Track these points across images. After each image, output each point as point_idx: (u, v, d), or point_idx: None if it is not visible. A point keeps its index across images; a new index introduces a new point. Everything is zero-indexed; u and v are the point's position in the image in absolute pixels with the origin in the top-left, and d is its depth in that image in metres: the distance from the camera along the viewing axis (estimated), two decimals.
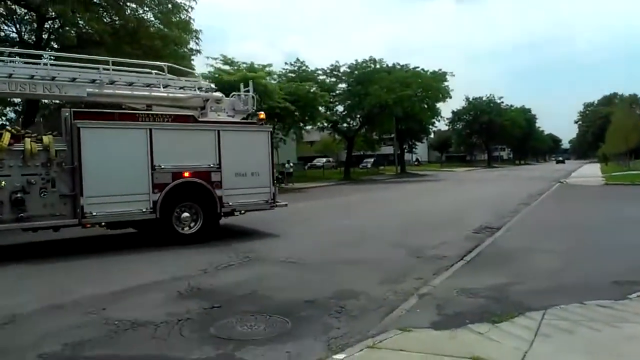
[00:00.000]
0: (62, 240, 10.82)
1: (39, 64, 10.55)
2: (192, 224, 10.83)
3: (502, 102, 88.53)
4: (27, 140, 9.33)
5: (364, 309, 5.85)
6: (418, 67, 45.12)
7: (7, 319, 5.63)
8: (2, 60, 10.21)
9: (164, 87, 11.70)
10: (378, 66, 43.88)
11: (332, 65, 43.19)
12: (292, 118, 31.91)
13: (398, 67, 45.17)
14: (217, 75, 27.71)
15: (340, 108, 44.27)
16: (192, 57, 28.73)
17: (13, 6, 19.32)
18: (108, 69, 11.06)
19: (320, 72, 41.61)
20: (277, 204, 12.03)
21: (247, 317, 5.60)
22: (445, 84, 44.60)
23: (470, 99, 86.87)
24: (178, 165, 10.56)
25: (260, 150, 11.82)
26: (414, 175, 51.73)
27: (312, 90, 32.25)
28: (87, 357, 4.60)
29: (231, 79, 26.69)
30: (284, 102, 28.32)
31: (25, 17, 20.01)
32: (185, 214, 10.75)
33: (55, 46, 20.42)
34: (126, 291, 6.84)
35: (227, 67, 29.20)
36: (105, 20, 19.48)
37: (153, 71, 11.94)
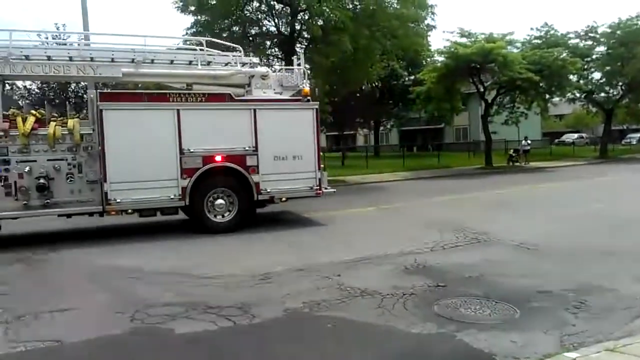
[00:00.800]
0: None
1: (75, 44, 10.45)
2: (226, 213, 10.19)
3: None
4: (52, 124, 9.28)
5: (609, 308, 5.11)
6: None
7: (263, 276, 6.68)
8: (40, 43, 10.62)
9: (206, 64, 11.00)
10: None
11: (587, 26, 37.72)
12: (536, 89, 29.15)
13: None
14: (453, 50, 27.06)
15: (596, 75, 38.52)
16: (428, 34, 28.75)
17: (272, 2, 22.23)
18: (143, 47, 10.68)
19: (572, 35, 36.81)
20: (325, 190, 11.02)
21: (472, 300, 5.47)
22: None
23: None
24: (209, 149, 9.90)
25: (304, 130, 10.64)
26: None
27: (560, 57, 28.83)
28: (321, 316, 5.16)
29: (467, 52, 25.78)
30: (526, 72, 26.03)
31: (281, 12, 22.77)
32: (220, 201, 10.13)
33: (306, 36, 22.80)
34: (359, 261, 7.36)
35: (463, 40, 28.21)
36: (347, 7, 20.81)
37: (197, 47, 11.37)
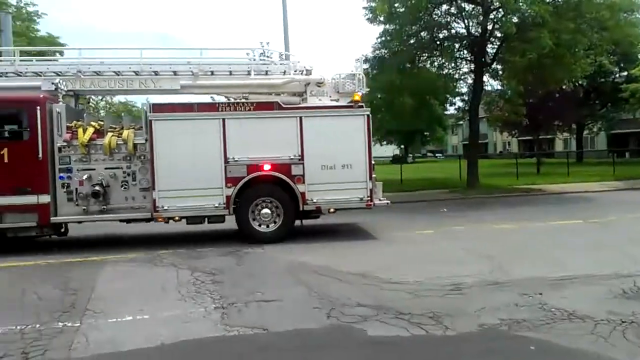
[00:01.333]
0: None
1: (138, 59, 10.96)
2: (271, 223, 10.08)
3: None
4: (109, 135, 9.77)
5: None
6: None
7: (453, 286, 6.44)
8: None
9: (264, 74, 11.17)
10: None
11: None
12: None
13: None
14: None
15: None
16: None
17: (462, 4, 21.51)
18: (199, 60, 11.02)
19: None
20: (377, 202, 10.36)
21: None
22: None
23: None
24: (254, 158, 9.85)
25: (354, 138, 10.10)
26: None
27: None
28: (521, 336, 4.74)
29: None
30: None
31: (472, 12, 21.88)
32: (266, 211, 10.03)
33: (498, 35, 21.54)
34: (563, 279, 6.61)
35: None
36: (546, 0, 19.07)
37: (254, 57, 11.47)
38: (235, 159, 9.90)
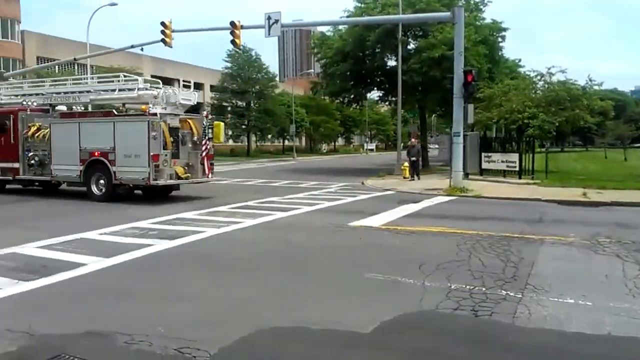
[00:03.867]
0: None
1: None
2: (103, 189, 15.52)
3: None
4: (40, 131, 16.72)
5: None
6: None
7: None
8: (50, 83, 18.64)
9: (136, 89, 16.03)
10: None
11: None
12: None
13: None
14: None
15: None
16: None
17: None
18: (94, 81, 17.99)
19: None
20: (152, 182, 14.60)
21: None
22: None
23: None
24: (93, 147, 15.50)
25: (140, 137, 14.54)
26: None
27: None
28: None
29: None
30: None
31: None
32: (102, 181, 15.52)
33: None
34: None
35: None
36: None
37: (138, 78, 17.00)
38: (85, 148, 15.67)
